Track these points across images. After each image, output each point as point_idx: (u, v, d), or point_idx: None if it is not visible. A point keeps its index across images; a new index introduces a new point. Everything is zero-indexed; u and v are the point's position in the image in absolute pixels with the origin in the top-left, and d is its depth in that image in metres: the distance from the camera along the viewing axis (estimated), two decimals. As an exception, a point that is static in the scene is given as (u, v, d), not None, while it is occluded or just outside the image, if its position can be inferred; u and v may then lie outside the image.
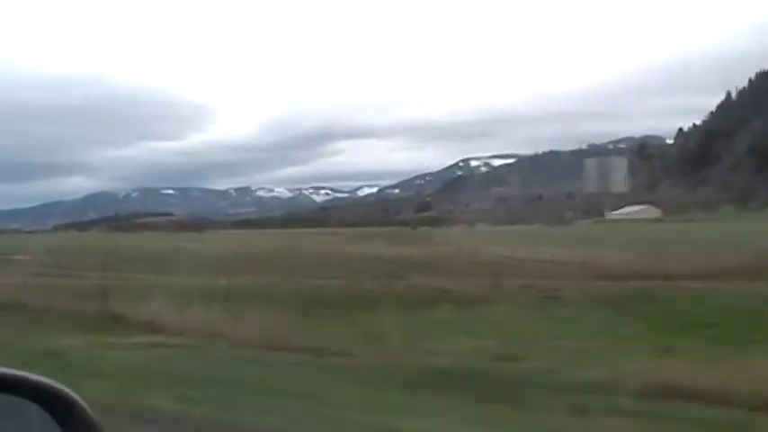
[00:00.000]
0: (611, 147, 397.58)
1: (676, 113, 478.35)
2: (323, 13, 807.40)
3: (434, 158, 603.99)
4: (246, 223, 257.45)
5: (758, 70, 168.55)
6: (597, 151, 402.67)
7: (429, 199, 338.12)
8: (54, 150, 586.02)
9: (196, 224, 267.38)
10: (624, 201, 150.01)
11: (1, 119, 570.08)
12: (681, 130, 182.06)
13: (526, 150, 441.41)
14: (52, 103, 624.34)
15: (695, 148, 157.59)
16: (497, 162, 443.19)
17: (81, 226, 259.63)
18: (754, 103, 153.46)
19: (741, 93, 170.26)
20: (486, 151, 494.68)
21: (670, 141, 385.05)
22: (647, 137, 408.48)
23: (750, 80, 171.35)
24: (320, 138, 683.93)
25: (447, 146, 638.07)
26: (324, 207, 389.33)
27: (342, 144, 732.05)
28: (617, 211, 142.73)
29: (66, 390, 1.45)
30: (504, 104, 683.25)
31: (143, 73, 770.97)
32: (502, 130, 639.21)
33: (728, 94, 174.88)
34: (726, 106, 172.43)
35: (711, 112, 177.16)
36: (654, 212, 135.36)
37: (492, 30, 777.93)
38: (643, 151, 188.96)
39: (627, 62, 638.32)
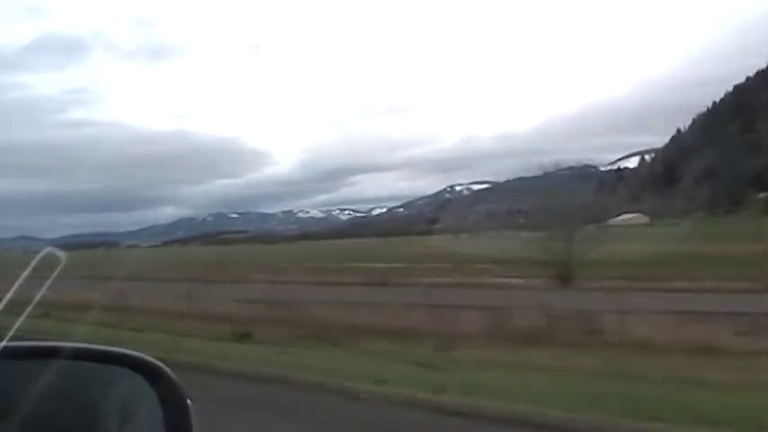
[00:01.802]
0: (559, 173, 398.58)
1: (604, 148, 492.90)
2: (339, 80, 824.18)
3: (428, 185, 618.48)
4: (304, 236, 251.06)
5: (695, 114, 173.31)
6: (550, 176, 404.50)
7: (431, 215, 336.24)
8: (152, 188, 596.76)
9: (265, 238, 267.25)
10: (616, 210, 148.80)
11: (116, 166, 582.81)
12: (643, 158, 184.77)
13: (498, 177, 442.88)
14: (150, 153, 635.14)
15: (662, 170, 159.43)
16: (476, 187, 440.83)
17: (184, 241, 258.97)
18: (700, 137, 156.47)
19: (689, 129, 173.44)
20: (467, 179, 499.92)
21: (603, 168, 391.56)
22: (585, 165, 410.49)
23: (693, 120, 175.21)
24: (343, 172, 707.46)
25: (437, 176, 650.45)
26: (353, 224, 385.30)
27: (359, 177, 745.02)
28: (615, 219, 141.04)
29: (155, 360, 1.52)
30: (477, 144, 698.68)
31: (215, 128, 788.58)
32: (477, 162, 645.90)
33: (678, 130, 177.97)
34: (676, 140, 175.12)
35: (666, 144, 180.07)
36: (644, 219, 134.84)
37: (463, 86, 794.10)
38: (619, 173, 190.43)
39: (563, 109, 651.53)
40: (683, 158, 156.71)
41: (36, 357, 1.49)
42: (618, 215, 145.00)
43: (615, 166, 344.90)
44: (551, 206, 34.52)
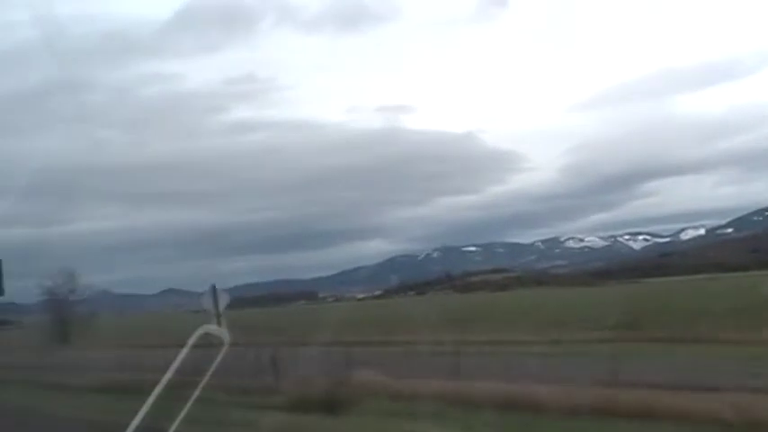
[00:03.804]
0: None
1: None
2: (617, 41, 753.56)
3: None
4: (591, 275, 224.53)
5: None
6: None
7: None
8: (349, 214, 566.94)
9: (536, 279, 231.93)
10: None
11: (298, 186, 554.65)
12: None
13: None
14: (348, 164, 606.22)
15: None
16: None
17: (419, 289, 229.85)
18: None
19: None
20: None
21: None
22: None
23: None
24: (630, 179, 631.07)
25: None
26: (660, 254, 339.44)
27: (655, 184, 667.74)
28: None
29: None
30: None
31: (438, 122, 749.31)
32: None
33: None
34: None
35: None
36: None
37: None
38: None
39: None
40: None
41: None
42: None
43: None
44: None
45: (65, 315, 47.27)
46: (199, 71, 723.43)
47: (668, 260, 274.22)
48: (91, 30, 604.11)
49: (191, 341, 2.04)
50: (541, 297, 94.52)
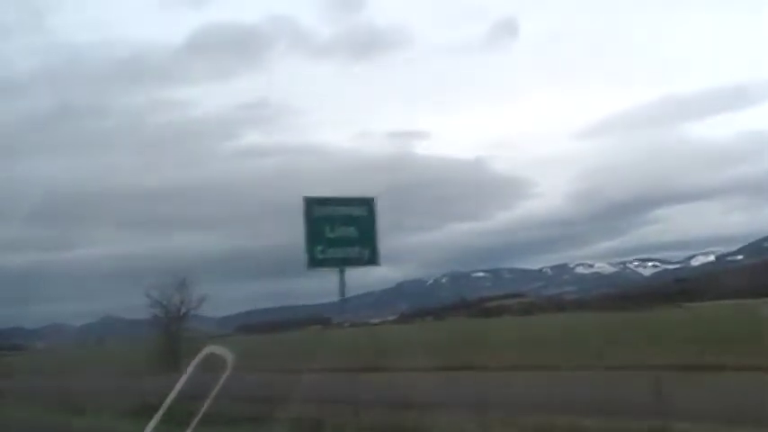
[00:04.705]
0: None
1: None
2: (625, 68, 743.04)
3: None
4: (605, 300, 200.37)
5: None
6: None
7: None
8: None
9: (555, 305, 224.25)
10: None
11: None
12: None
13: None
14: (358, 190, 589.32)
15: None
16: None
17: (435, 314, 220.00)
18: None
19: None
20: None
21: None
22: None
23: None
24: (639, 205, 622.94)
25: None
26: (677, 280, 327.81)
27: (663, 210, 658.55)
28: None
29: None
30: None
31: (446, 148, 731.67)
32: None
33: None
34: None
35: None
36: None
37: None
38: None
39: None
40: None
41: None
42: None
43: None
44: None
45: (174, 333, 40.98)
46: (211, 97, 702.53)
47: (684, 286, 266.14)
48: (104, 56, 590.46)
49: (194, 362, 1.91)
50: (620, 320, 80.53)
